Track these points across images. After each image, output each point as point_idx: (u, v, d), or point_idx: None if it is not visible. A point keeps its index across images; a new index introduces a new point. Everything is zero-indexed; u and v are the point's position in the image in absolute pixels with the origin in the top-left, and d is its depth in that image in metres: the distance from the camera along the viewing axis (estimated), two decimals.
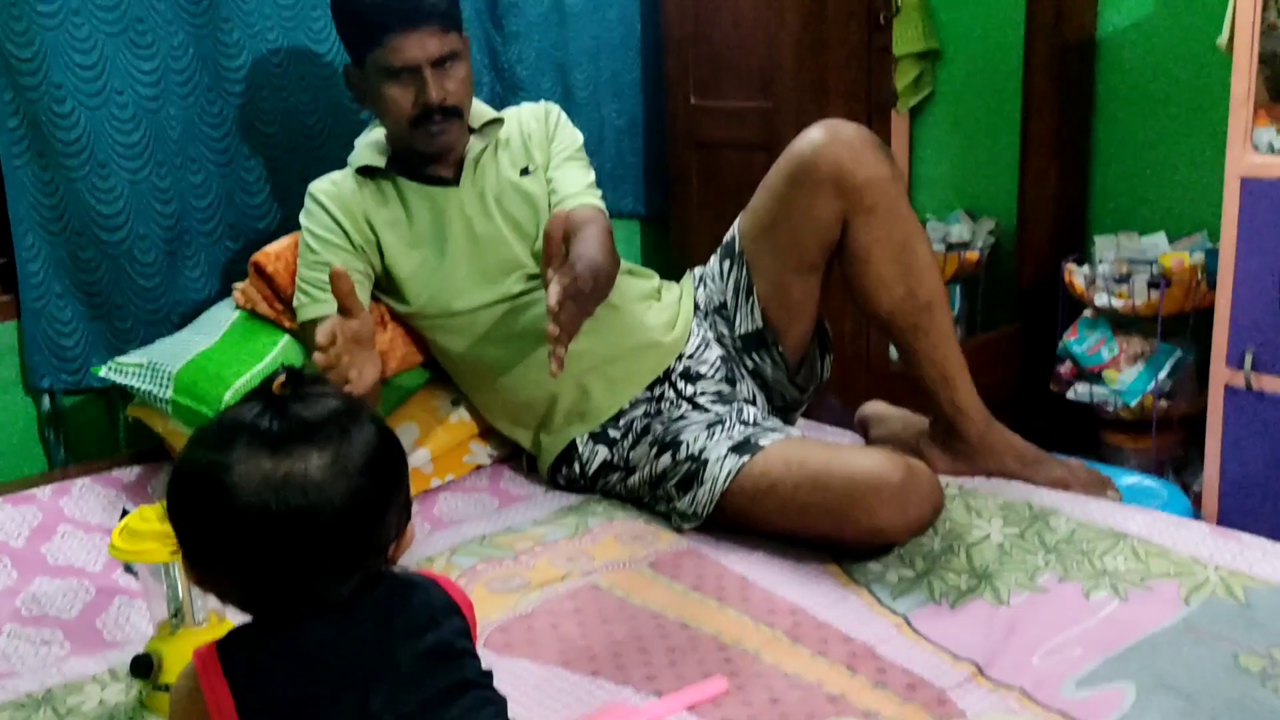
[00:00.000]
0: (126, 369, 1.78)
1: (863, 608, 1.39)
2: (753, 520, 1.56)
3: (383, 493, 0.86)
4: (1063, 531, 1.51)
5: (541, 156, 1.86)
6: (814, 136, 1.68)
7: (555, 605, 1.42)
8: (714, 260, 1.88)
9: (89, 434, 1.98)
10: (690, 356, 1.81)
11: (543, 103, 1.94)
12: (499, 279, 1.79)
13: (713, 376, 1.80)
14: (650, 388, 1.79)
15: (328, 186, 1.81)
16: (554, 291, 1.41)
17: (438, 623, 0.88)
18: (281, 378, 0.86)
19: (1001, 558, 1.47)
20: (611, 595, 1.44)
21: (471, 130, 1.84)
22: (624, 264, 1.89)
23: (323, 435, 0.83)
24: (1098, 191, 2.87)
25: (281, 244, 1.88)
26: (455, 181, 1.82)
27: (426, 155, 1.79)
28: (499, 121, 1.87)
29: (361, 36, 1.72)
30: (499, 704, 0.90)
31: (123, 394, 1.89)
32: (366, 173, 1.81)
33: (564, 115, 1.93)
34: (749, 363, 1.82)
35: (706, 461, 1.60)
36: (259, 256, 1.85)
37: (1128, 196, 2.81)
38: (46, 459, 1.95)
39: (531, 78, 2.39)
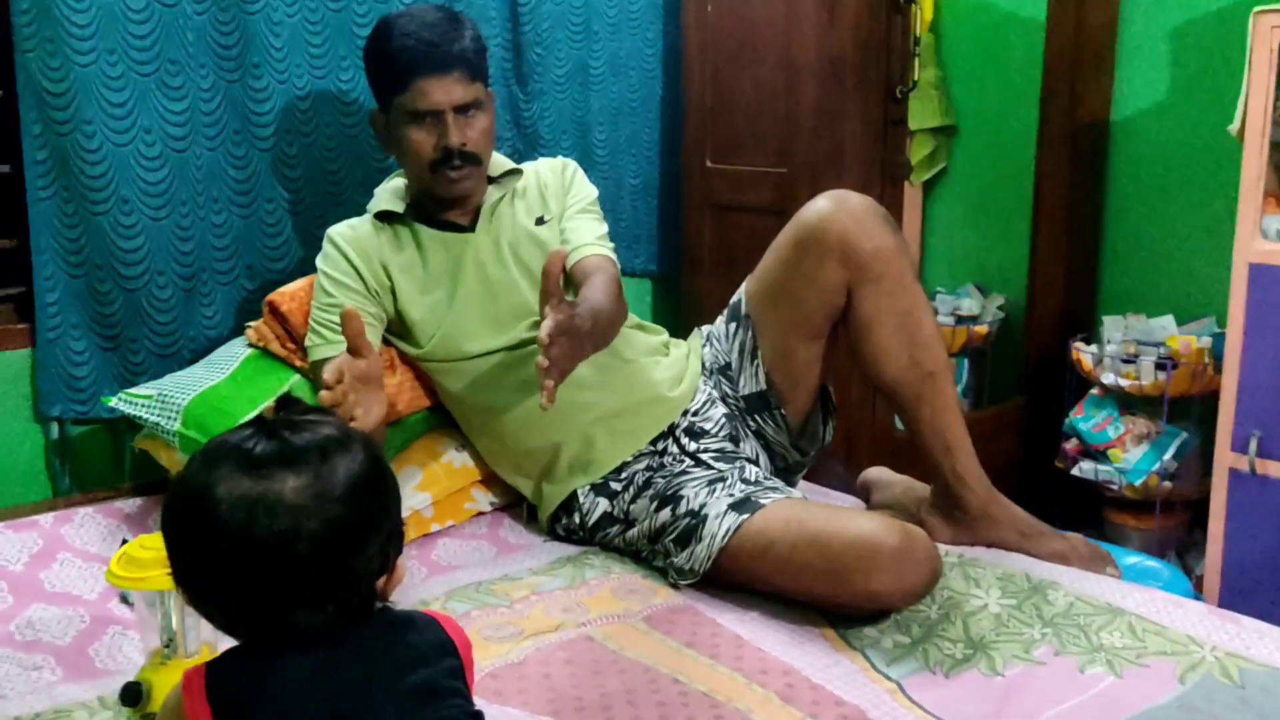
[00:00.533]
0: (136, 400, 1.80)
1: (856, 672, 1.38)
2: (750, 579, 1.56)
3: (363, 522, 0.84)
4: (1060, 605, 1.51)
5: (557, 207, 1.89)
6: (821, 206, 1.71)
7: (548, 655, 1.41)
8: (720, 321, 1.90)
9: (95, 464, 1.99)
10: (695, 413, 1.82)
11: (560, 158, 1.98)
12: (510, 325, 1.81)
13: (717, 434, 1.80)
14: (654, 442, 1.80)
15: (346, 231, 1.84)
16: (546, 325, 1.41)
17: (426, 661, 0.87)
18: (271, 403, 0.87)
19: (998, 628, 1.46)
20: (605, 647, 1.44)
21: (490, 180, 1.88)
22: (633, 319, 1.91)
23: (303, 460, 0.83)
24: (1107, 271, 2.89)
25: (297, 285, 1.91)
26: (471, 228, 1.85)
27: (445, 200, 1.82)
28: (517, 172, 1.91)
29: (390, 80, 1.77)
30: None
31: (130, 426, 1.91)
32: (384, 218, 1.84)
33: (580, 171, 1.96)
34: (751, 423, 1.83)
35: (706, 518, 1.60)
36: (274, 296, 1.88)
37: (1137, 278, 2.83)
38: (51, 487, 1.96)
39: (552, 135, 2.43)
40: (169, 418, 1.74)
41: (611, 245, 1.87)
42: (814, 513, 1.56)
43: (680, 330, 2.08)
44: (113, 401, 1.83)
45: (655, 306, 2.74)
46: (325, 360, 1.69)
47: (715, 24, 2.47)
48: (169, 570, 0.88)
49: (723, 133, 2.51)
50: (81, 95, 1.81)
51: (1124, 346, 2.58)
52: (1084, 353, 2.64)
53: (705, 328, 1.97)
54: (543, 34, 2.39)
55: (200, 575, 0.85)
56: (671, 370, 1.86)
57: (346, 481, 0.84)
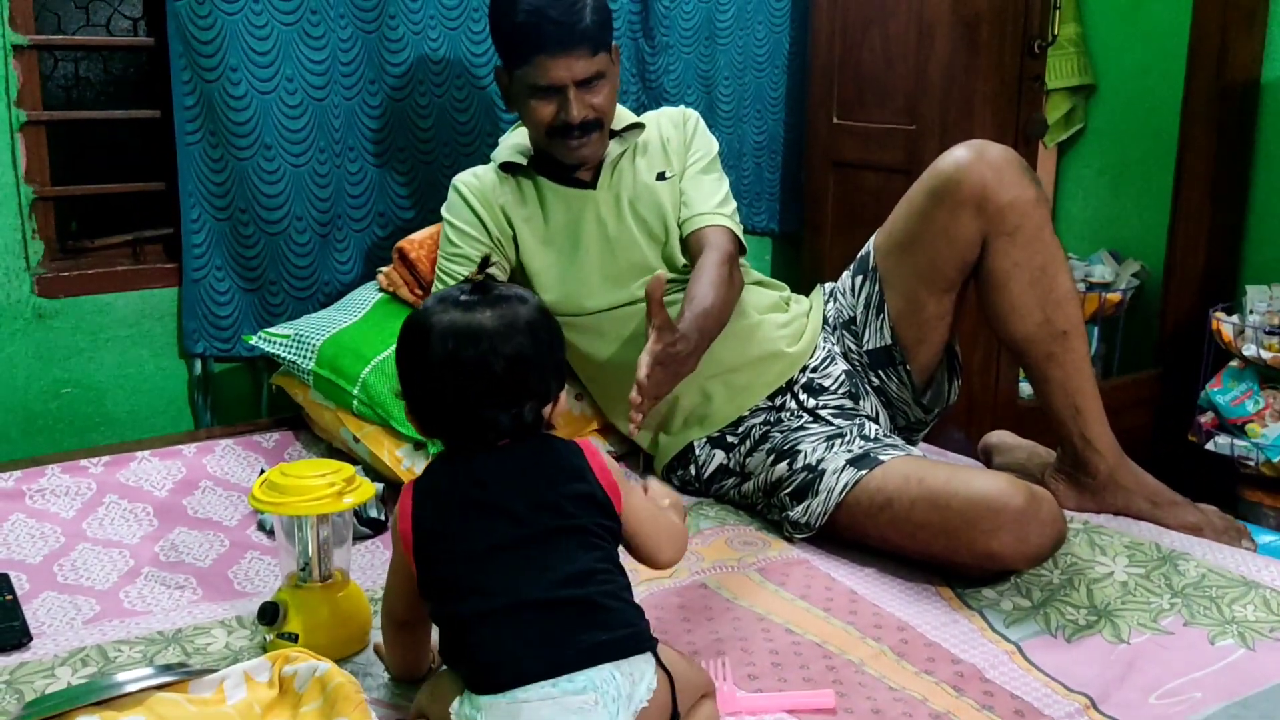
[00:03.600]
0: (275, 339, 1.88)
1: (973, 631, 1.37)
2: (866, 535, 1.55)
3: (538, 351, 1.10)
4: (1192, 575, 1.46)
5: (679, 163, 1.87)
6: (959, 155, 1.67)
7: (661, 599, 1.43)
8: (846, 275, 1.88)
9: (235, 399, 2.09)
10: (814, 370, 1.81)
11: (682, 108, 1.94)
12: (628, 282, 1.82)
13: (836, 391, 1.79)
14: (771, 397, 1.79)
15: (470, 180, 1.86)
16: (644, 361, 1.41)
17: (583, 476, 1.11)
18: (475, 268, 1.16)
19: (1124, 596, 1.42)
20: (718, 595, 1.45)
21: (612, 134, 1.85)
22: (753, 274, 1.90)
23: (497, 303, 1.11)
24: (1252, 239, 2.76)
25: (425, 233, 1.95)
26: (593, 184, 1.84)
27: (565, 165, 1.82)
28: (639, 126, 1.87)
29: (512, 52, 1.75)
30: (606, 549, 1.10)
31: (268, 364, 1.99)
32: (508, 169, 1.85)
33: (701, 122, 1.93)
34: (874, 379, 1.81)
35: (823, 472, 1.59)
36: (404, 243, 1.93)
37: None
38: (194, 420, 2.06)
39: (677, 90, 2.43)
40: (305, 356, 1.81)
41: (733, 208, 1.84)
42: (935, 470, 1.53)
43: (802, 290, 2.07)
44: (253, 340, 1.91)
45: (776, 265, 2.73)
46: None
47: None
48: (309, 499, 0.97)
49: (849, 89, 2.46)
50: (228, 43, 1.88)
51: (1268, 317, 2.47)
52: (1225, 323, 2.53)
53: (828, 285, 1.94)
54: None
55: (420, 388, 1.11)
56: (791, 326, 1.85)
57: (527, 319, 1.11)
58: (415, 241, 1.93)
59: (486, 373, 1.07)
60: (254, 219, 1.98)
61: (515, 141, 1.89)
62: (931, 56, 2.28)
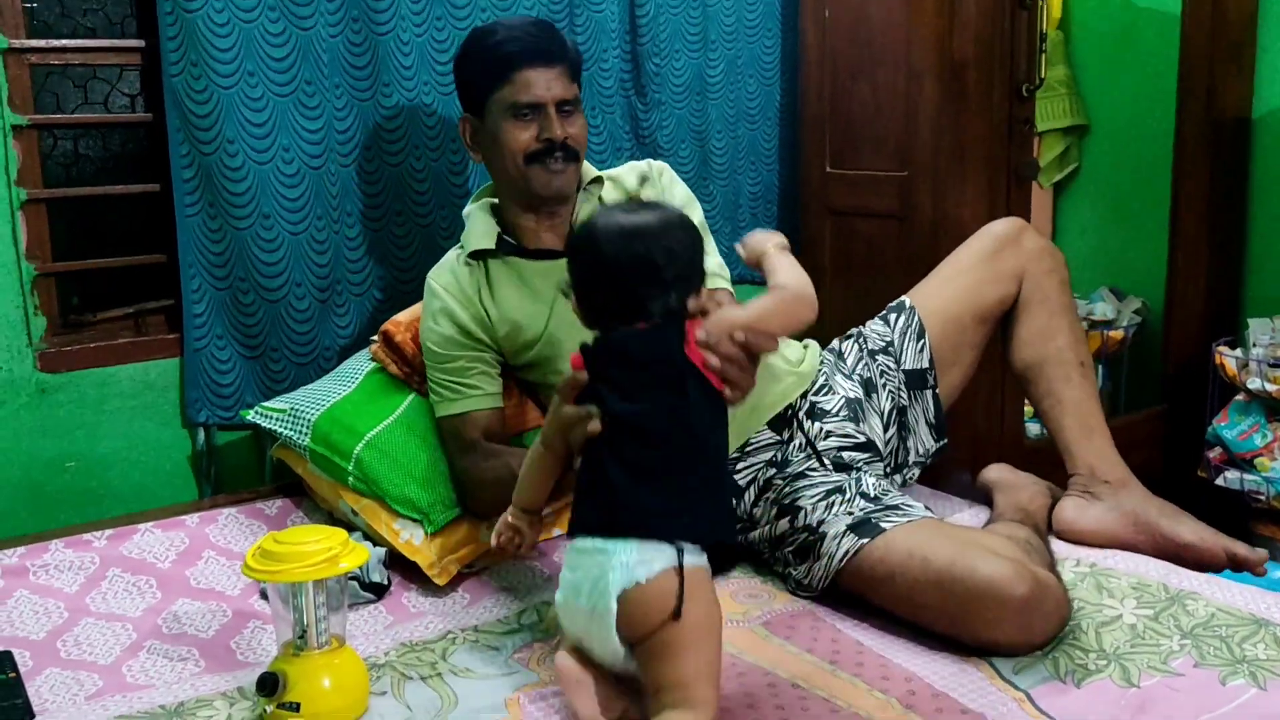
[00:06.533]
0: (272, 414, 1.88)
1: (982, 680, 1.35)
2: (868, 599, 1.54)
3: (688, 247, 1.30)
4: (1201, 615, 1.44)
5: None
6: (1004, 220, 1.92)
7: None
8: (871, 322, 1.92)
9: (238, 467, 2.09)
10: (816, 393, 1.81)
11: (647, 160, 1.90)
12: None
13: (837, 414, 1.79)
14: (776, 428, 1.78)
15: (447, 281, 1.78)
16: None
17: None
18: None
19: (1133, 639, 1.41)
20: (724, 651, 1.43)
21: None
22: None
23: (653, 209, 1.33)
24: (1253, 273, 2.76)
25: (409, 314, 1.91)
26: (564, 253, 1.74)
27: (538, 200, 1.76)
28: (600, 180, 1.85)
29: (490, 75, 1.73)
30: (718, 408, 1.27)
31: (270, 433, 2.00)
32: (477, 256, 1.80)
33: (670, 172, 1.89)
34: (904, 398, 1.84)
35: (824, 535, 1.58)
36: (388, 326, 1.90)
37: None
38: (197, 489, 2.06)
39: (671, 145, 2.46)
40: (300, 432, 1.82)
41: (726, 272, 1.84)
42: (938, 548, 1.48)
43: (799, 336, 2.07)
44: (250, 415, 1.92)
45: None
46: (453, 416, 1.74)
47: (833, 29, 2.46)
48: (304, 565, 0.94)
49: (841, 138, 2.49)
50: (225, 116, 1.91)
51: (1271, 350, 2.46)
52: (1228, 357, 2.53)
53: (834, 341, 1.95)
54: (661, 44, 2.41)
55: (594, 279, 1.29)
56: (791, 353, 1.86)
57: (680, 222, 1.31)
58: (401, 324, 1.90)
59: (649, 263, 1.25)
60: (254, 287, 2.00)
61: (480, 222, 1.82)
62: (920, 104, 2.30)
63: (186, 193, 1.94)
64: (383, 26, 2.04)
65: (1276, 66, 2.65)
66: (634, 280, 1.26)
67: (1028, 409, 2.50)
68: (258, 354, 2.04)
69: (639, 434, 1.22)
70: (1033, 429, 2.53)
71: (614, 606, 1.18)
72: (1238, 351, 2.54)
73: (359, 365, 1.96)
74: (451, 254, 1.84)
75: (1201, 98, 2.67)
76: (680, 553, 1.19)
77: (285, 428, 1.85)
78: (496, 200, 1.84)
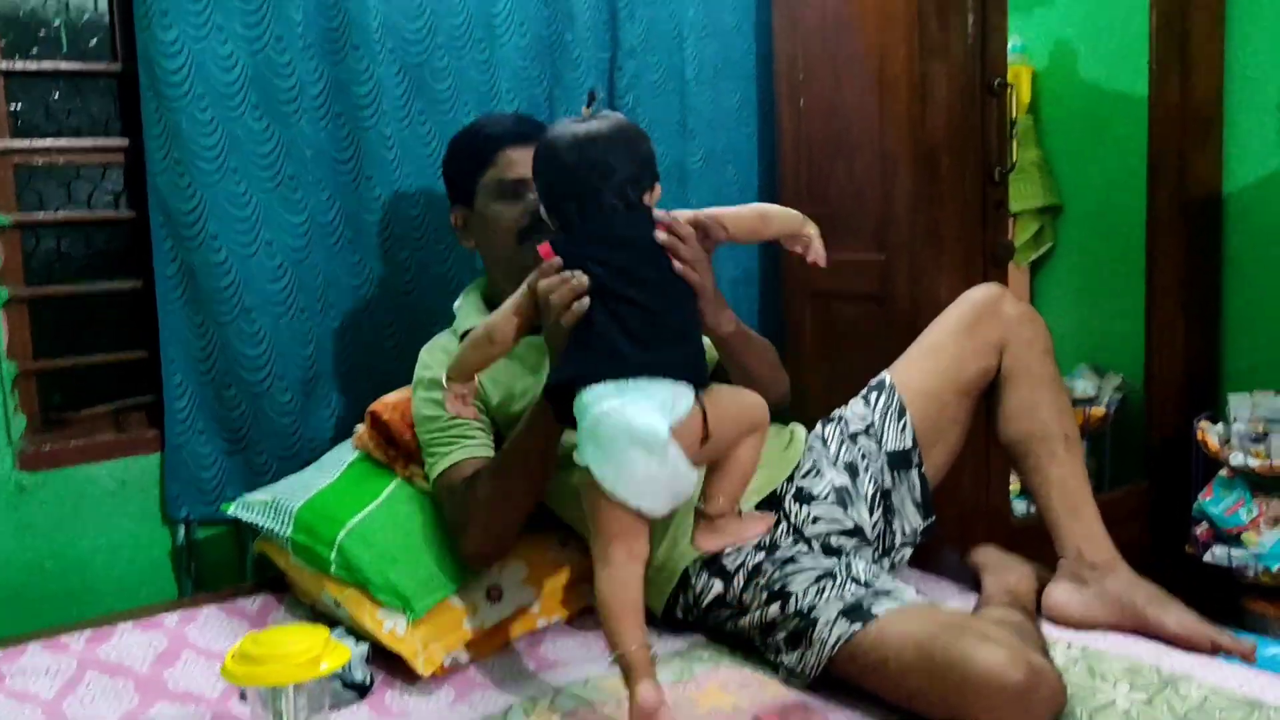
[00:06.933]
0: (254, 506, 1.87)
1: None
2: (861, 687, 1.52)
3: (639, 146, 1.47)
4: (1194, 699, 1.43)
5: None
6: (981, 286, 1.91)
7: None
8: (853, 402, 1.92)
9: (219, 563, 2.06)
10: (804, 476, 1.81)
11: None
12: None
13: (825, 498, 1.78)
14: (764, 511, 1.76)
15: (440, 356, 1.81)
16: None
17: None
18: (588, 99, 1.51)
19: None
20: None
21: None
22: None
23: (606, 118, 1.48)
24: (1230, 347, 2.79)
25: (397, 395, 1.92)
26: None
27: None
28: None
29: (476, 161, 1.82)
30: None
31: (252, 527, 1.98)
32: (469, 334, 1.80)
33: None
34: (888, 480, 1.82)
35: (815, 621, 1.56)
36: (376, 406, 1.90)
37: (1264, 352, 2.73)
38: (177, 586, 2.03)
39: None
40: (282, 524, 1.80)
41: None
42: (932, 632, 1.46)
43: (783, 417, 2.07)
44: (231, 509, 1.90)
45: None
46: (449, 468, 1.73)
47: (808, 117, 2.51)
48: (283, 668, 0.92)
49: (819, 221, 2.47)
50: (209, 211, 1.92)
51: (1252, 425, 2.48)
52: (1210, 432, 2.54)
53: (818, 425, 1.95)
54: None
55: (556, 185, 1.47)
56: (777, 438, 1.86)
57: (629, 128, 1.48)
58: (389, 404, 1.90)
59: (606, 164, 1.42)
60: (236, 381, 1.99)
61: (472, 303, 1.88)
62: (896, 188, 2.34)
63: (169, 288, 1.95)
64: (366, 121, 2.07)
65: (1245, 142, 2.71)
66: (595, 181, 1.43)
67: (1014, 485, 2.50)
68: (240, 448, 2.02)
69: (635, 304, 1.39)
70: (1019, 506, 2.53)
71: (668, 435, 1.33)
72: (1219, 426, 2.55)
73: (342, 455, 1.95)
74: (444, 334, 1.89)
75: (1172, 177, 2.72)
76: (695, 389, 1.38)
77: (267, 520, 1.83)
78: (485, 292, 1.90)
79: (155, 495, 2.02)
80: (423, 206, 2.17)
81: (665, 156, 2.49)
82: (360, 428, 1.96)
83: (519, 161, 1.78)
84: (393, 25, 2.10)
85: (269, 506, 1.85)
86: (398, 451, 1.87)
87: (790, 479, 1.82)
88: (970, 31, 2.29)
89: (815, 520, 1.77)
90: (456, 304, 1.92)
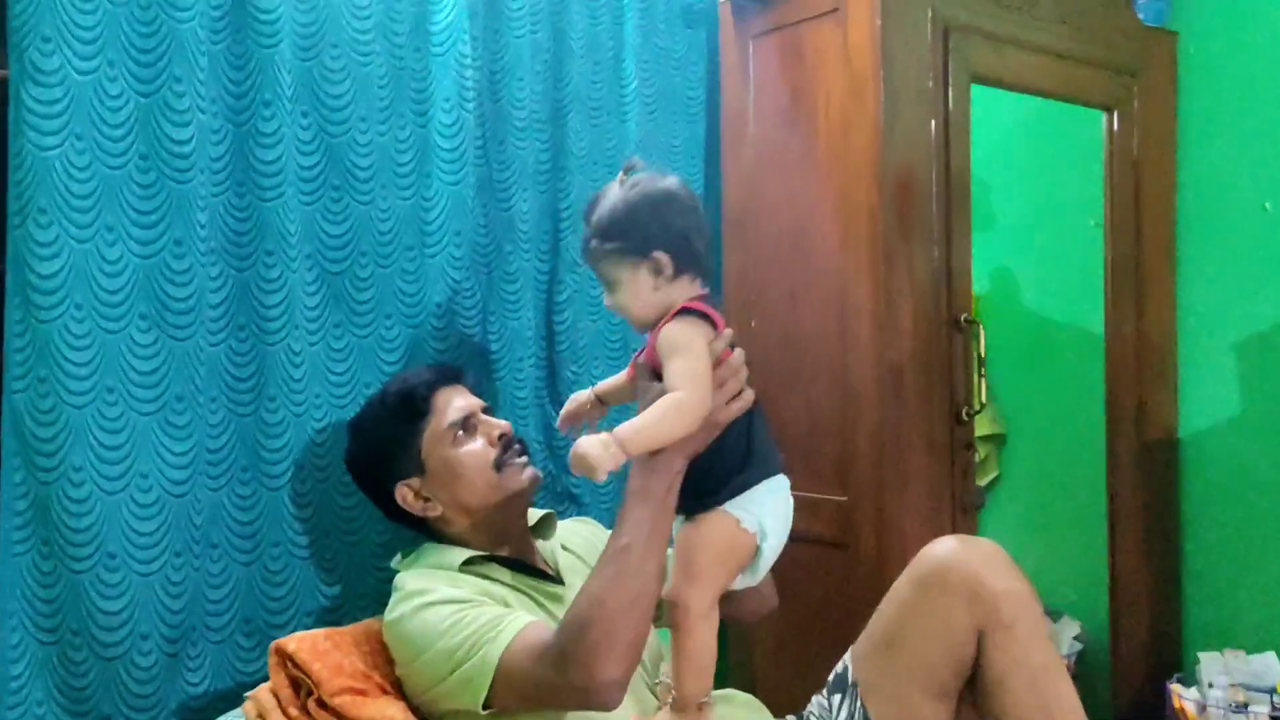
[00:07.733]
0: None
1: None
2: None
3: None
4: None
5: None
6: (946, 543, 1.58)
7: None
8: (816, 699, 1.64)
9: None
10: None
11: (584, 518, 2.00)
12: None
13: None
14: None
15: (441, 575, 1.64)
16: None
17: None
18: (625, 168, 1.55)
19: None
20: None
21: (532, 529, 1.79)
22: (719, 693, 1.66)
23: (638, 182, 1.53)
24: (1191, 602, 2.63)
25: (304, 634, 1.65)
26: (559, 579, 1.71)
27: (518, 505, 1.72)
28: (551, 514, 1.85)
29: (414, 417, 1.71)
30: None
31: None
32: (471, 563, 1.66)
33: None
34: None
35: None
36: (279, 642, 1.62)
37: (1228, 608, 2.57)
38: None
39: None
40: None
41: None
42: None
43: (744, 672, 1.82)
44: None
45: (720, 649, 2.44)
46: (515, 637, 1.46)
47: (761, 337, 2.31)
48: None
49: None
50: (73, 439, 1.60)
51: (1231, 693, 2.28)
52: (1186, 700, 2.34)
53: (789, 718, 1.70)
54: (580, 350, 2.24)
55: (698, 234, 1.54)
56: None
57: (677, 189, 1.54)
58: (293, 638, 1.62)
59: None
60: (87, 642, 1.63)
61: (448, 552, 1.69)
62: (859, 425, 2.14)
63: (15, 528, 1.60)
64: (273, 336, 1.80)
65: (1199, 386, 2.62)
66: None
67: None
68: None
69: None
70: None
71: None
72: (1194, 692, 2.35)
73: None
74: (420, 568, 1.68)
75: (1131, 417, 2.60)
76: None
77: None
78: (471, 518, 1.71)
79: None
80: (331, 432, 1.88)
81: (606, 376, 2.26)
82: (253, 693, 1.62)
83: (455, 399, 1.73)
84: (312, 230, 1.86)
85: None
86: (319, 706, 1.54)
87: None
88: (935, 264, 2.16)
89: None
90: (400, 573, 1.68)
